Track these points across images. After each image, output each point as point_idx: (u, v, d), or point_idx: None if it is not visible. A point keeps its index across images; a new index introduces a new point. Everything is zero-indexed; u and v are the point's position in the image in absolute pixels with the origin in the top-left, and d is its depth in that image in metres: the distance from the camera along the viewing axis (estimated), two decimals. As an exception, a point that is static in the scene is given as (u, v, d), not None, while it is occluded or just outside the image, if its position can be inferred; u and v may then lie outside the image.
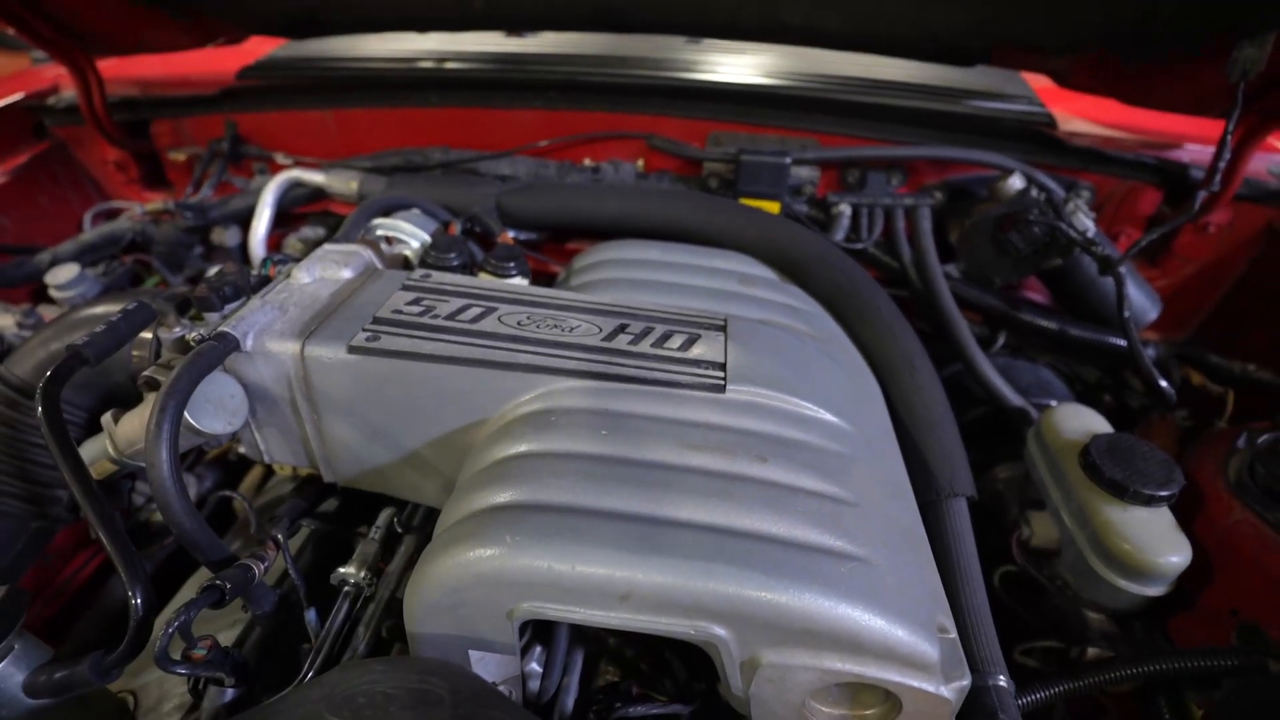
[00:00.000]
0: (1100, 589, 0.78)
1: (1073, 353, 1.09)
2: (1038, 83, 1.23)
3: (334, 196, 1.19)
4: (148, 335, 0.76)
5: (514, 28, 1.03)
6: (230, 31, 1.14)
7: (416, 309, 0.76)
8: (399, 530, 0.81)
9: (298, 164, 1.23)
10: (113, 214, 1.32)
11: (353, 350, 0.69)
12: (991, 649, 0.66)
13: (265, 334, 0.71)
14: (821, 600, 0.51)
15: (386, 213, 1.01)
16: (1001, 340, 1.11)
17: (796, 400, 0.69)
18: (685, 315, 0.79)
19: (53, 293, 1.09)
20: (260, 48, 1.34)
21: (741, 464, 0.61)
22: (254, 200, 1.18)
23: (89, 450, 0.77)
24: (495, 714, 0.48)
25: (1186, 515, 0.79)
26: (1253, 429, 0.83)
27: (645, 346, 0.73)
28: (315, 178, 1.18)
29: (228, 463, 1.16)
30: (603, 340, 0.73)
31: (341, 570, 0.72)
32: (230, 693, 0.62)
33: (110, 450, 0.74)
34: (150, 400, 0.74)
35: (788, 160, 1.04)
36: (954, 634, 0.57)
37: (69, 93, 1.27)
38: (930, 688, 0.53)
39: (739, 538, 0.54)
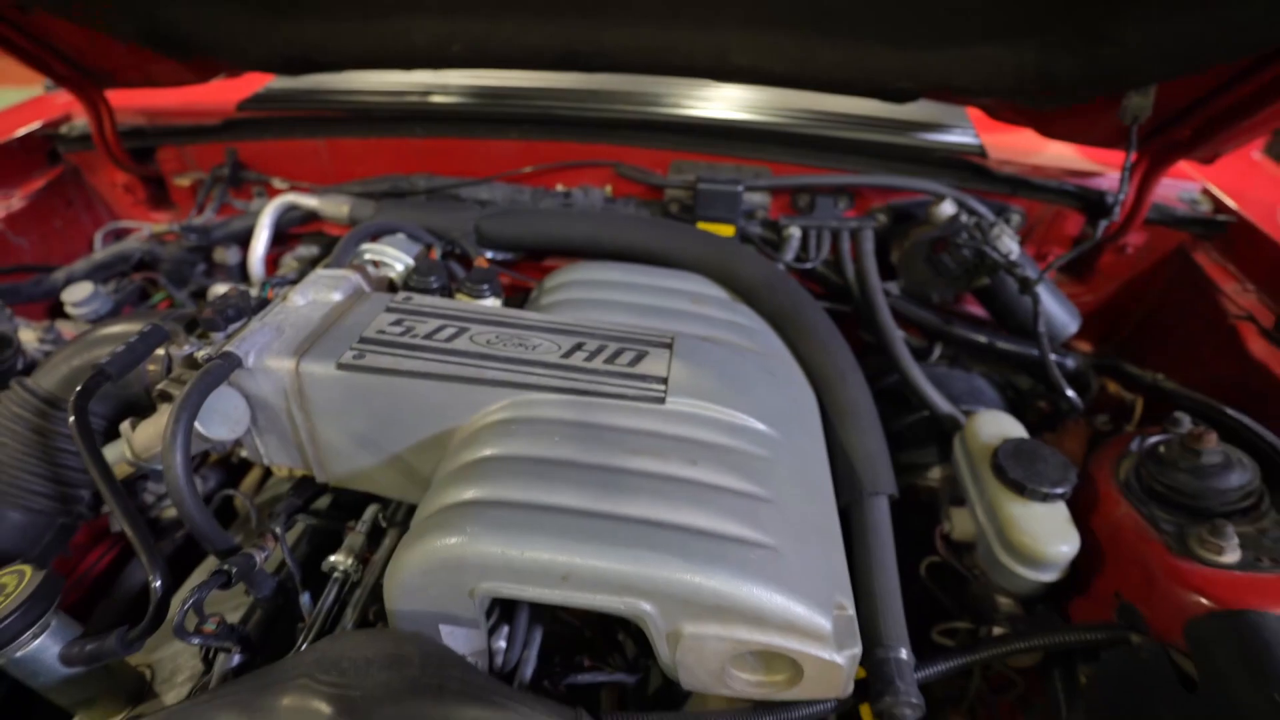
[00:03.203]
0: (1006, 576, 0.88)
1: (1002, 363, 1.19)
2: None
3: (326, 219, 1.28)
4: (160, 352, 0.86)
5: (488, 67, 1.13)
6: (230, 69, 1.24)
7: (398, 329, 0.86)
8: (383, 525, 0.91)
9: (293, 189, 1.32)
10: (121, 233, 1.41)
11: (341, 367, 0.79)
12: (897, 627, 0.76)
13: (265, 352, 0.81)
14: (730, 581, 0.61)
15: (374, 238, 1.10)
16: (938, 351, 1.21)
17: (729, 410, 0.79)
18: (636, 334, 0.88)
19: (69, 309, 1.19)
20: (257, 79, 1.43)
21: (674, 466, 0.71)
22: (253, 222, 1.28)
23: (109, 454, 0.86)
24: (454, 671, 0.58)
25: (1084, 510, 0.89)
26: (1147, 433, 0.93)
27: (598, 363, 0.83)
28: (309, 202, 1.27)
29: (230, 465, 1.26)
30: (561, 357, 0.83)
31: (331, 559, 0.81)
32: (237, 659, 0.72)
33: (128, 454, 0.84)
34: (164, 410, 0.84)
35: (740, 188, 1.14)
36: (851, 612, 0.67)
37: (80, 121, 1.37)
38: (825, 655, 0.63)
39: (664, 529, 0.64)
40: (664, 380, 0.80)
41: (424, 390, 0.78)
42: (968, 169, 1.18)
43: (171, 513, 1.16)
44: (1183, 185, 1.19)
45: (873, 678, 0.72)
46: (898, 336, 1.10)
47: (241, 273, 1.34)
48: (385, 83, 1.35)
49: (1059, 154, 1.24)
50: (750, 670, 0.68)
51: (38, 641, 0.70)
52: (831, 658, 0.63)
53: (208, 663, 0.74)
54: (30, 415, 0.87)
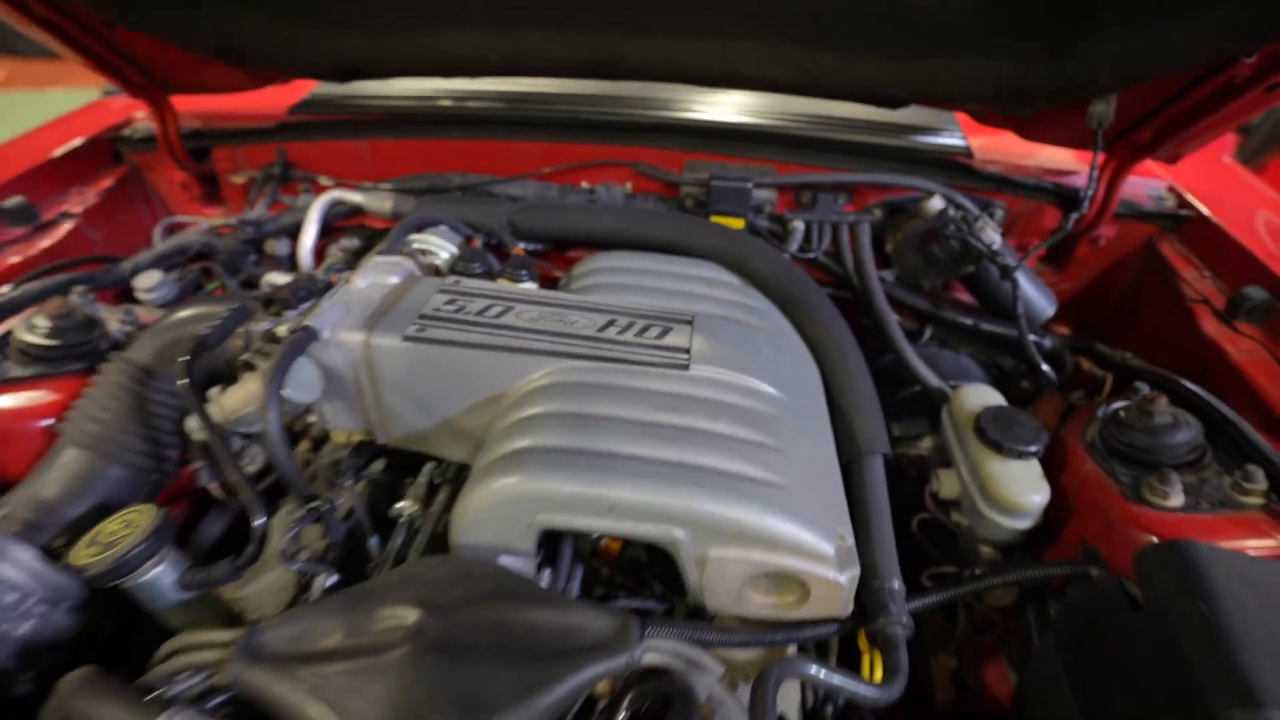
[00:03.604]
0: (987, 526, 1.00)
1: (987, 344, 1.31)
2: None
3: (370, 213, 1.40)
4: (239, 329, 0.98)
5: (521, 76, 1.25)
6: (283, 76, 1.36)
7: (452, 307, 0.97)
8: (436, 483, 1.03)
9: (338, 185, 1.44)
10: (177, 227, 1.53)
11: (407, 340, 0.91)
12: (891, 562, 0.87)
13: (338, 328, 0.93)
14: (749, 512, 0.73)
15: (420, 229, 1.22)
16: (928, 333, 1.33)
17: (743, 376, 0.91)
18: (661, 313, 1.00)
19: (139, 295, 1.31)
20: (302, 85, 1.55)
21: (699, 420, 0.83)
22: (302, 216, 1.40)
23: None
24: (520, 584, 0.70)
25: (1055, 469, 1.01)
26: (1113, 402, 1.05)
27: (629, 336, 0.95)
28: (354, 197, 1.39)
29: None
30: (596, 332, 0.95)
31: (398, 506, 0.93)
32: (331, 580, 0.84)
33: (216, 416, 0.96)
34: (248, 378, 0.95)
35: (750, 185, 1.26)
36: (850, 542, 0.79)
37: (141, 125, 1.49)
38: (828, 574, 0.74)
39: (694, 470, 0.76)
40: (687, 351, 0.92)
41: (478, 359, 0.90)
42: (955, 168, 1.30)
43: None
44: (1151, 183, 1.31)
45: (869, 604, 0.83)
46: (893, 320, 1.22)
47: (290, 263, 1.46)
48: (422, 89, 1.47)
49: (1038, 154, 1.36)
50: (764, 593, 0.80)
51: (158, 569, 0.82)
52: (834, 577, 0.75)
53: (303, 587, 0.86)
54: (130, 383, 0.99)
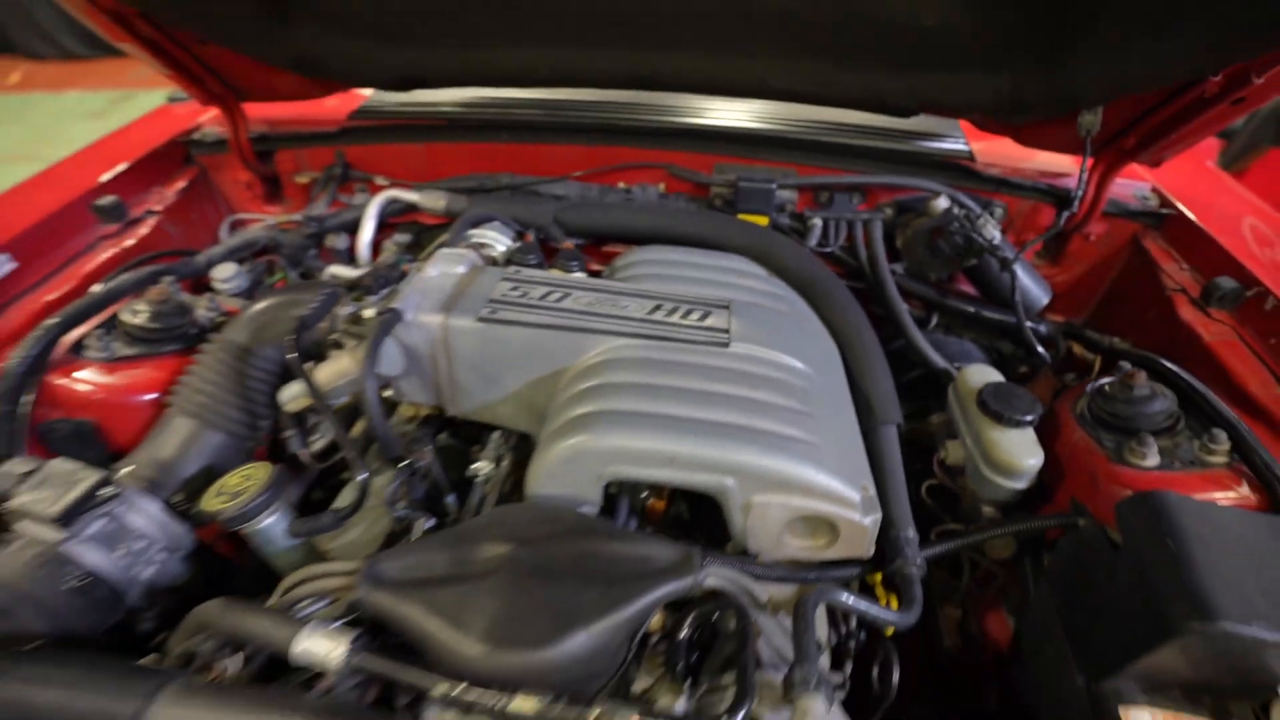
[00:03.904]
0: (989, 488, 1.13)
1: (988, 330, 1.44)
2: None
3: (423, 210, 1.53)
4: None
5: (568, 87, 1.38)
6: (350, 87, 1.48)
7: (517, 293, 1.10)
8: (501, 451, 1.15)
9: (393, 185, 1.57)
10: (240, 224, 1.66)
11: (480, 320, 1.03)
12: (905, 514, 1.00)
13: (418, 310, 1.06)
14: (789, 463, 0.86)
15: (476, 225, 1.35)
16: (935, 320, 1.46)
17: (775, 353, 1.04)
18: (701, 299, 1.13)
19: (216, 284, 1.43)
20: (354, 92, 1.68)
21: (741, 389, 0.96)
22: (360, 213, 1.52)
23: (291, 390, 1.11)
24: (596, 522, 0.83)
25: (1049, 439, 1.14)
26: (1101, 380, 1.18)
27: (675, 319, 1.08)
28: (410, 196, 1.52)
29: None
30: (645, 314, 1.08)
31: (474, 466, 1.06)
32: (429, 524, 0.97)
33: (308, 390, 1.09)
34: (338, 355, 1.08)
35: (774, 186, 1.39)
36: (873, 492, 0.92)
37: (210, 129, 1.62)
38: (855, 517, 0.87)
39: (740, 428, 0.89)
40: (727, 331, 1.05)
41: (544, 338, 1.03)
42: (959, 170, 1.44)
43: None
44: (1137, 185, 1.45)
45: (888, 549, 0.97)
46: (903, 308, 1.35)
47: (348, 256, 1.58)
48: (471, 97, 1.60)
49: (1034, 159, 1.49)
50: (799, 536, 0.93)
51: (273, 518, 0.95)
52: (860, 520, 0.88)
53: (406, 529, 0.98)
54: (231, 360, 1.11)
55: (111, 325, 1.22)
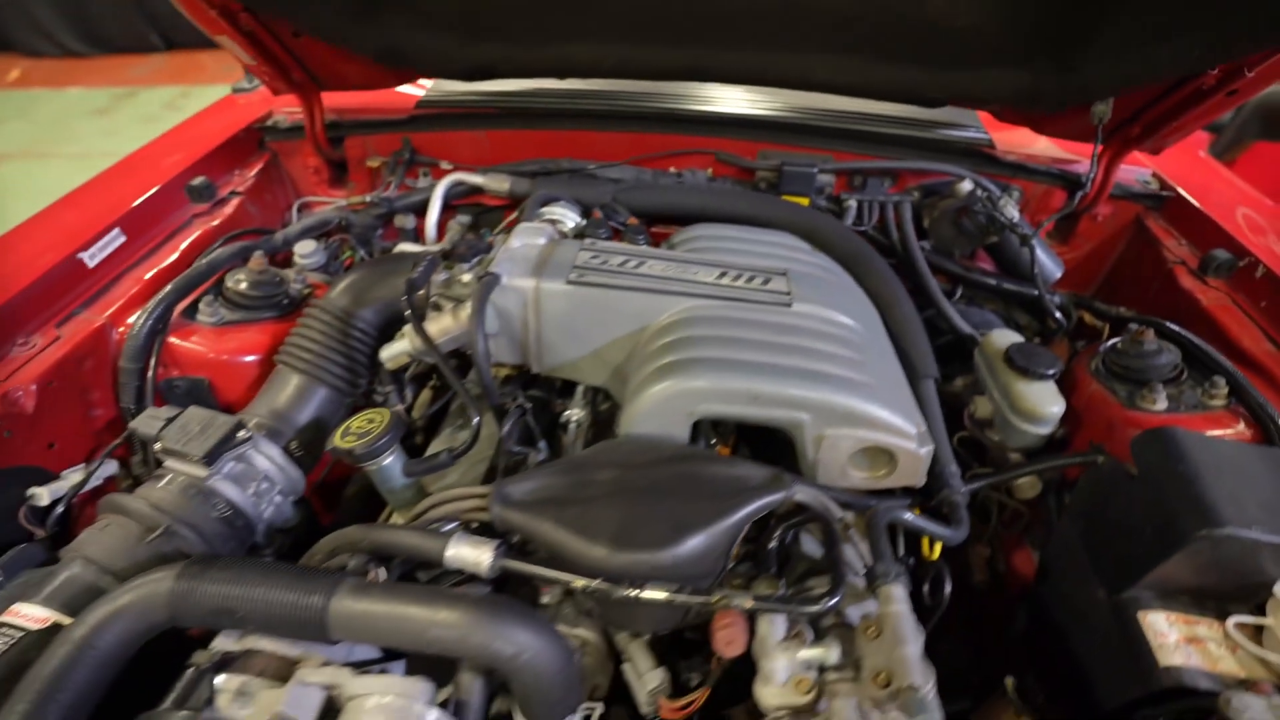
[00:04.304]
0: (1016, 435, 1.27)
1: (1007, 301, 1.59)
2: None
3: (487, 192, 1.65)
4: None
5: (629, 79, 1.51)
6: (424, 76, 1.60)
7: (597, 261, 1.22)
8: (585, 409, 1.26)
9: (457, 169, 1.69)
10: (308, 206, 1.77)
11: (570, 284, 1.16)
12: (948, 454, 1.14)
13: (510, 275, 1.17)
14: (857, 400, 0.99)
15: (545, 204, 1.47)
16: (959, 293, 1.61)
17: (832, 312, 1.17)
18: (760, 267, 1.26)
19: (297, 260, 1.54)
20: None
21: (806, 341, 1.09)
22: (427, 195, 1.64)
23: (392, 349, 1.22)
24: (695, 449, 0.96)
25: (1068, 393, 1.28)
26: (1111, 341, 1.33)
27: (741, 283, 1.20)
28: (475, 179, 1.64)
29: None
30: (715, 279, 1.20)
31: (567, 413, 1.18)
32: (542, 456, 1.09)
33: (409, 348, 1.20)
34: (438, 315, 1.20)
35: (815, 170, 1.53)
36: (925, 428, 1.05)
37: (281, 116, 1.72)
38: (913, 447, 1.01)
39: (812, 372, 1.02)
40: (788, 293, 1.18)
41: (629, 299, 1.15)
42: (981, 156, 1.58)
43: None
44: (1139, 170, 1.60)
45: (932, 482, 1.10)
46: (933, 281, 1.49)
47: (414, 235, 1.70)
48: (530, 87, 1.72)
49: (1047, 147, 1.64)
50: (860, 468, 1.06)
51: (392, 458, 1.06)
52: (917, 450, 1.01)
53: (493, 472, 1.10)
54: (335, 321, 1.23)
55: (218, 293, 1.33)
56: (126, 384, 1.19)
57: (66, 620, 0.84)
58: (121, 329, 1.22)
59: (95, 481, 1.15)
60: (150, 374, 1.20)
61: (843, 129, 1.60)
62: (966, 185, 1.53)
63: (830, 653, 0.78)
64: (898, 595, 0.82)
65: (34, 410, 1.08)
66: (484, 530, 0.95)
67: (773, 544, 0.93)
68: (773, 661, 0.77)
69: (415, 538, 0.89)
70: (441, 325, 1.18)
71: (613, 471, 0.94)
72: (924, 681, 0.72)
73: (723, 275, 1.22)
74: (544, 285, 1.16)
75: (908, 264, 1.53)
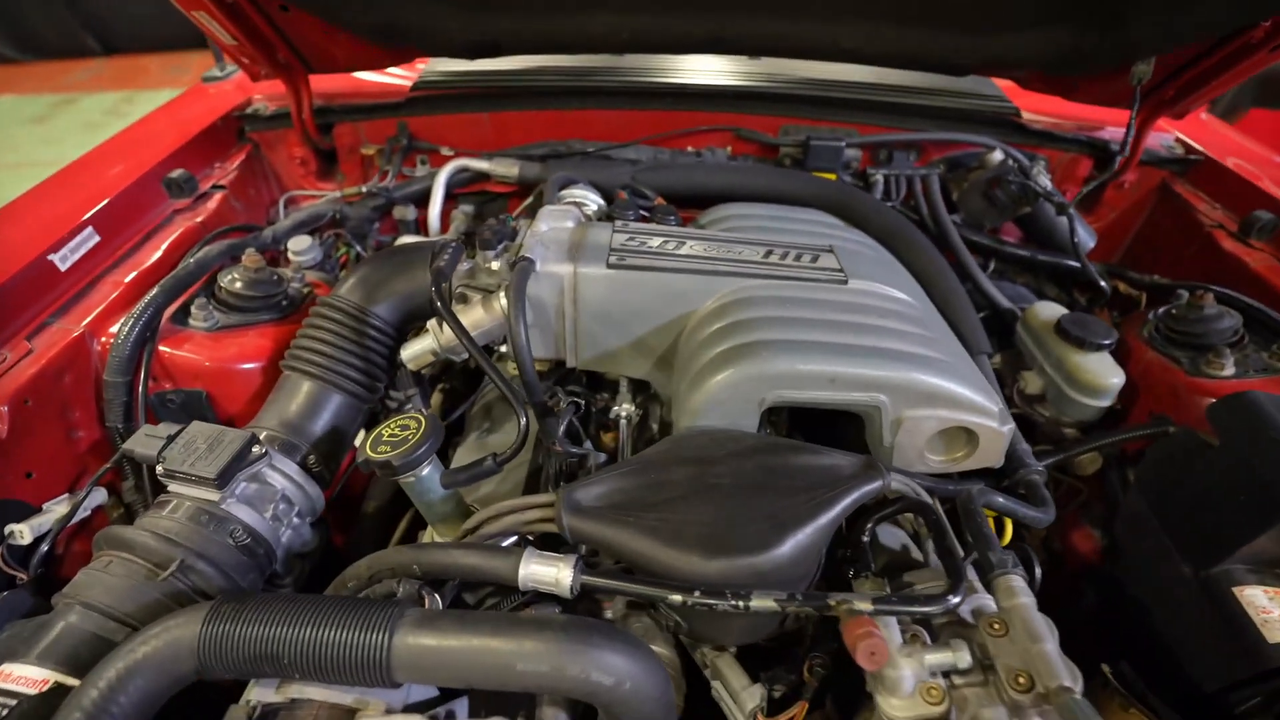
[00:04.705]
0: (1075, 409, 1.21)
1: (1040, 273, 1.55)
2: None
3: (495, 178, 1.54)
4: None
5: (647, 52, 1.41)
6: (424, 55, 1.48)
7: (634, 243, 1.13)
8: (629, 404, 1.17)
9: (458, 155, 1.57)
10: (296, 200, 1.63)
11: (610, 267, 1.06)
12: (1018, 433, 1.08)
13: (545, 261, 1.07)
14: (937, 379, 0.92)
15: (564, 186, 1.37)
16: (991, 266, 1.56)
17: (888, 289, 1.10)
18: (805, 244, 1.19)
19: (292, 256, 1.41)
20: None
21: (872, 319, 1.02)
22: (428, 184, 1.52)
23: (415, 347, 1.11)
24: (776, 439, 0.87)
25: (1122, 362, 1.24)
26: (1162, 308, 1.29)
27: (789, 262, 1.13)
28: (480, 164, 1.52)
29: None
30: (762, 259, 1.12)
31: (615, 409, 1.08)
32: (602, 459, 0.99)
33: (435, 345, 1.09)
34: (466, 308, 1.09)
35: (843, 144, 1.46)
36: (1003, 405, 0.99)
37: (261, 104, 1.58)
38: (996, 425, 0.94)
39: (887, 351, 0.95)
40: (842, 270, 1.11)
41: (676, 281, 1.06)
42: (1008, 125, 1.54)
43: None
44: (1163, 136, 1.58)
45: (1009, 462, 1.04)
46: (968, 254, 1.44)
47: (415, 227, 1.58)
48: (534, 64, 1.61)
49: (1068, 115, 1.61)
50: (937, 451, 0.99)
51: (430, 468, 0.95)
52: (1000, 428, 0.95)
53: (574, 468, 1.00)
54: (347, 319, 1.11)
55: (210, 295, 1.20)
56: (113, 400, 1.05)
57: (71, 681, 0.71)
58: (104, 339, 1.08)
59: (83, 513, 1.01)
60: (140, 388, 1.06)
61: (867, 100, 1.54)
62: (997, 155, 1.48)
63: (960, 656, 0.70)
64: (1019, 586, 0.76)
65: (6, 434, 0.94)
66: (543, 543, 0.85)
67: (866, 537, 0.86)
68: (898, 670, 0.69)
69: (477, 557, 0.78)
70: (473, 318, 1.07)
71: (688, 469, 0.85)
72: (1075, 681, 0.65)
73: (769, 254, 1.14)
74: (582, 270, 1.06)
75: (941, 238, 1.48)
